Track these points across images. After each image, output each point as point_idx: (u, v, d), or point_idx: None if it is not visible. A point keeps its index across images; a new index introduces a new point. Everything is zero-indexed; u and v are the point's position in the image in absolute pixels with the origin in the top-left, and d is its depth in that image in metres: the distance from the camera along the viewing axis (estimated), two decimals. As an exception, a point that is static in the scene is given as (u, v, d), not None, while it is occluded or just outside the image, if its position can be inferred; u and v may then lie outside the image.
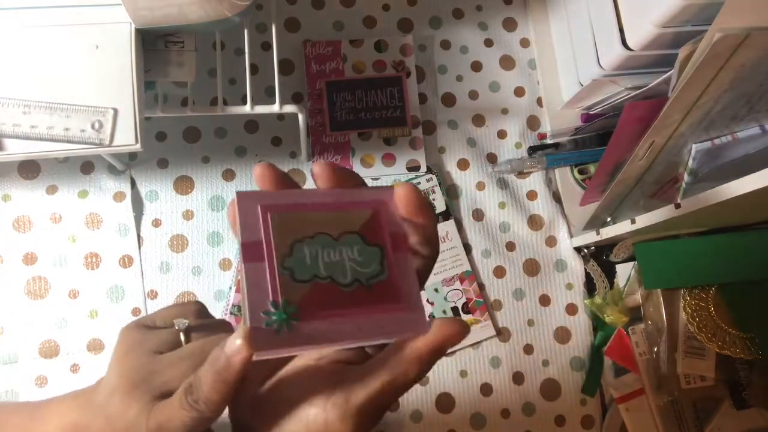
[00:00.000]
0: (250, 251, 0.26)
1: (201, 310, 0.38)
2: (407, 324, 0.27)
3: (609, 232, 0.65)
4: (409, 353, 0.26)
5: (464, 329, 0.27)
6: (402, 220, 0.28)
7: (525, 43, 0.76)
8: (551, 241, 0.72)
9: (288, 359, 0.30)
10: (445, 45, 0.75)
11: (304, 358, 0.30)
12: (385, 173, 0.70)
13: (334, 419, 0.26)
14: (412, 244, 0.29)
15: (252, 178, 0.69)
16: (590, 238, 0.69)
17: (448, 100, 0.74)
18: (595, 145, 0.72)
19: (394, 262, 0.27)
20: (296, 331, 0.25)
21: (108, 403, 0.32)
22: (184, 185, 0.68)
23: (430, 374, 0.66)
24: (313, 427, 0.27)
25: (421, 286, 0.29)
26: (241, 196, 0.26)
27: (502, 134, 0.74)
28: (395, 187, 0.29)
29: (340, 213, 0.28)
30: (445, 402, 0.67)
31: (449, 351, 0.67)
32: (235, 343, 0.24)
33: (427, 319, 0.27)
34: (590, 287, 0.71)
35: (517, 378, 0.68)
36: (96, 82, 0.51)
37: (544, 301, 0.70)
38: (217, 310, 0.65)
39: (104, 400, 0.32)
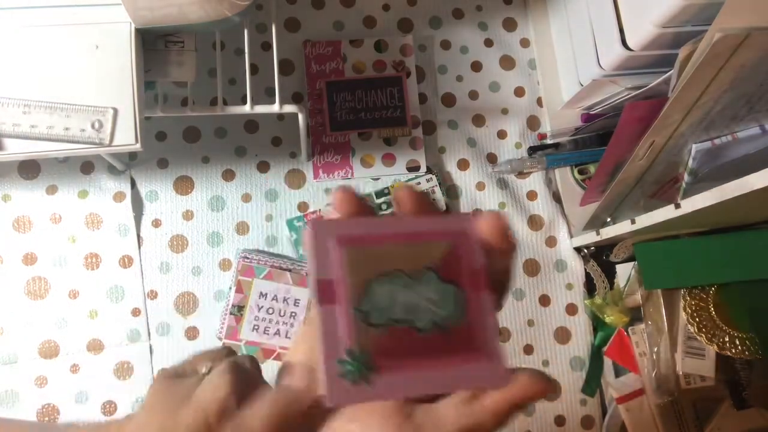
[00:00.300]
0: (323, 291, 0.24)
1: (230, 353, 0.37)
2: (487, 375, 0.25)
3: (609, 232, 0.65)
4: (488, 405, 0.25)
5: (549, 387, 0.25)
6: (482, 253, 0.26)
7: (525, 43, 0.76)
8: (551, 241, 0.72)
9: None
10: (445, 45, 0.75)
11: None
12: (385, 173, 0.70)
13: None
14: (491, 279, 0.27)
15: (251, 176, 0.69)
16: (590, 238, 0.69)
17: (448, 100, 0.74)
18: (595, 145, 0.72)
19: (473, 302, 0.25)
20: (373, 382, 0.23)
21: None
22: (184, 185, 0.68)
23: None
24: None
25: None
26: (315, 226, 0.25)
27: (502, 134, 0.74)
28: (481, 215, 0.26)
29: (416, 245, 0.26)
30: (445, 402, 0.67)
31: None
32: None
33: (507, 368, 0.25)
34: (590, 287, 0.71)
35: (517, 378, 0.68)
36: (96, 82, 0.51)
37: (544, 301, 0.70)
38: (217, 310, 0.65)
39: None
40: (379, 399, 0.24)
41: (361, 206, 0.27)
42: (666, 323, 0.66)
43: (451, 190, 0.71)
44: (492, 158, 0.73)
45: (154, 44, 0.55)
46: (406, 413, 0.25)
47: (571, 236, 0.72)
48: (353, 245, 0.25)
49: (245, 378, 0.32)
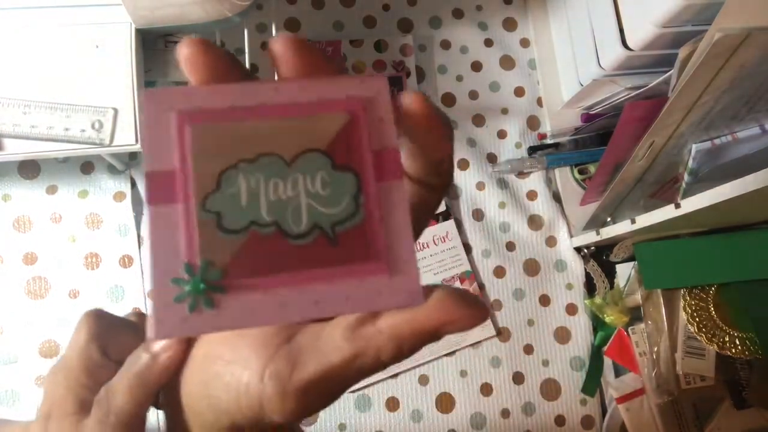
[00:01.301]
0: (158, 187, 0.17)
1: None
2: (389, 294, 0.18)
3: (609, 232, 0.65)
4: (386, 328, 0.19)
5: (478, 313, 0.19)
6: (394, 130, 0.19)
7: (525, 43, 0.76)
8: (551, 241, 0.72)
9: None
10: (445, 45, 0.75)
11: None
12: (385, 173, 0.70)
13: (272, 394, 0.19)
14: (411, 170, 0.20)
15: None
16: (590, 238, 0.69)
17: (448, 100, 0.74)
18: (595, 145, 0.72)
19: (376, 195, 0.18)
20: (221, 308, 0.17)
21: None
22: (184, 185, 0.68)
23: (429, 374, 0.66)
24: (244, 399, 0.20)
25: (418, 234, 0.21)
26: (151, 98, 0.18)
27: (502, 134, 0.74)
28: (400, 93, 0.19)
29: (300, 120, 0.18)
30: (445, 402, 0.67)
31: (449, 350, 0.67)
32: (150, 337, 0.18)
33: (421, 285, 0.18)
34: (590, 287, 0.71)
35: (517, 378, 0.68)
36: (96, 82, 0.51)
37: (544, 301, 0.70)
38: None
39: None
40: (226, 328, 0.17)
41: (226, 65, 0.19)
42: (666, 323, 0.66)
43: (451, 190, 0.71)
44: (492, 158, 0.73)
45: (154, 44, 0.55)
46: (286, 335, 0.20)
47: (571, 236, 0.72)
48: (204, 122, 0.18)
49: (110, 323, 0.28)
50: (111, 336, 0.28)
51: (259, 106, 0.18)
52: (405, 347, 0.19)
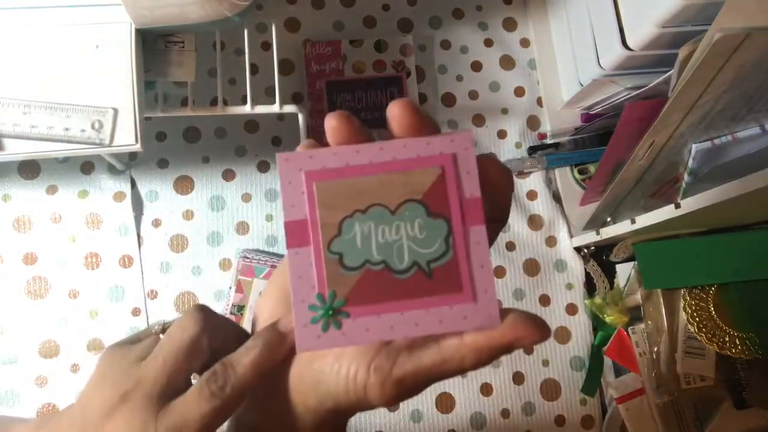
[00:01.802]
0: (293, 233, 0.23)
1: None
2: (473, 317, 0.23)
3: (609, 232, 0.65)
4: (470, 342, 0.24)
5: (542, 333, 0.23)
6: (477, 181, 0.23)
7: (525, 43, 0.76)
8: (551, 241, 0.72)
9: None
10: (445, 45, 0.75)
11: None
12: (385, 173, 0.70)
13: (374, 383, 0.24)
14: (488, 212, 0.24)
15: (251, 176, 0.69)
16: (590, 238, 0.69)
17: (448, 100, 0.74)
18: (595, 145, 0.72)
19: (463, 237, 0.23)
20: (345, 328, 0.23)
21: (103, 426, 0.27)
22: (184, 185, 0.68)
23: (430, 374, 0.66)
24: (351, 384, 0.25)
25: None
26: (285, 161, 0.23)
27: (502, 134, 0.74)
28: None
29: (401, 174, 0.23)
30: (445, 402, 0.67)
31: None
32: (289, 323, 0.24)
33: (498, 309, 0.23)
34: (590, 287, 0.71)
35: (517, 378, 0.68)
36: (96, 82, 0.51)
37: (544, 301, 0.70)
38: (217, 310, 0.65)
39: (96, 423, 0.27)
40: (350, 344, 0.23)
41: (359, 131, 0.24)
42: (666, 323, 0.66)
43: (451, 190, 0.71)
44: (492, 158, 0.73)
45: (154, 44, 0.55)
46: (386, 353, 0.25)
47: (571, 236, 0.72)
48: (326, 179, 0.23)
49: (215, 320, 0.31)
50: (216, 330, 0.31)
51: (369, 165, 0.23)
52: (483, 357, 0.24)
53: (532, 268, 0.71)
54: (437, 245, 0.23)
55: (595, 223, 0.69)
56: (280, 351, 0.27)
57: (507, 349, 0.24)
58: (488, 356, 0.24)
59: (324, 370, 0.26)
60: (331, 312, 0.23)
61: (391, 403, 0.25)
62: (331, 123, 0.24)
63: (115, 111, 0.51)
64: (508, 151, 0.73)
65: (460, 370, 0.24)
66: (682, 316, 0.66)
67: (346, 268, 0.23)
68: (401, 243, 0.23)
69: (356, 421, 0.65)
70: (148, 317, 0.65)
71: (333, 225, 0.23)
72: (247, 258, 0.65)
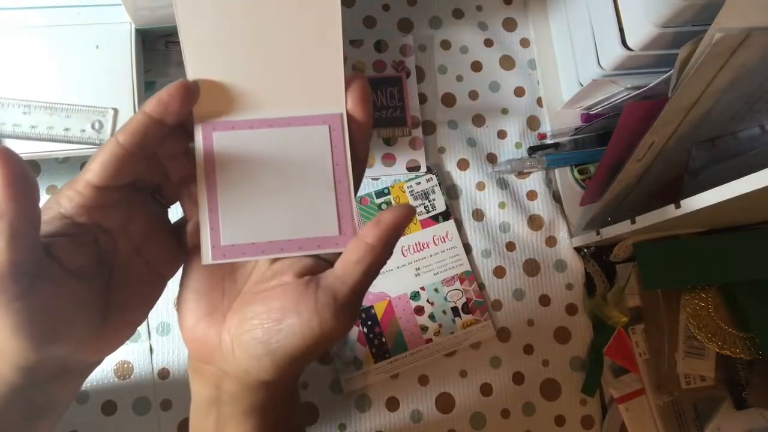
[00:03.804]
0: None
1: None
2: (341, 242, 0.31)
3: (609, 232, 0.65)
4: (363, 236, 0.29)
5: (407, 209, 0.30)
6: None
7: (525, 43, 0.76)
8: (551, 241, 0.72)
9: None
10: (445, 45, 0.75)
11: (265, 284, 0.31)
12: (384, 173, 0.70)
13: (328, 318, 0.28)
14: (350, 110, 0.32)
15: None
16: (590, 238, 0.69)
17: (448, 100, 0.74)
18: (595, 145, 0.72)
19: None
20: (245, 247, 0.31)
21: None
22: (184, 185, 0.68)
23: (429, 374, 0.66)
24: (308, 332, 0.28)
25: (358, 177, 0.35)
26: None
27: (502, 134, 0.74)
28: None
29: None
30: (445, 402, 0.67)
31: (449, 351, 0.67)
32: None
33: (354, 224, 0.32)
34: (590, 287, 0.71)
35: (517, 378, 0.68)
36: (96, 82, 0.51)
37: (544, 301, 0.70)
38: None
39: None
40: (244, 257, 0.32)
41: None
42: (666, 323, 0.66)
43: (451, 190, 0.71)
44: (492, 158, 0.73)
45: (154, 44, 0.55)
46: (320, 293, 0.29)
47: (571, 236, 0.72)
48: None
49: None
50: None
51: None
52: (389, 245, 0.29)
53: (532, 268, 0.71)
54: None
55: (595, 223, 0.69)
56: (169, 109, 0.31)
57: (397, 231, 0.29)
58: (390, 239, 0.29)
59: (269, 333, 0.28)
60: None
61: (350, 328, 0.29)
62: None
63: (115, 111, 0.51)
64: (508, 151, 0.73)
65: (382, 264, 0.29)
66: (682, 316, 0.66)
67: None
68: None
69: (356, 421, 0.65)
70: (147, 317, 0.65)
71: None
72: (247, 258, 0.65)
